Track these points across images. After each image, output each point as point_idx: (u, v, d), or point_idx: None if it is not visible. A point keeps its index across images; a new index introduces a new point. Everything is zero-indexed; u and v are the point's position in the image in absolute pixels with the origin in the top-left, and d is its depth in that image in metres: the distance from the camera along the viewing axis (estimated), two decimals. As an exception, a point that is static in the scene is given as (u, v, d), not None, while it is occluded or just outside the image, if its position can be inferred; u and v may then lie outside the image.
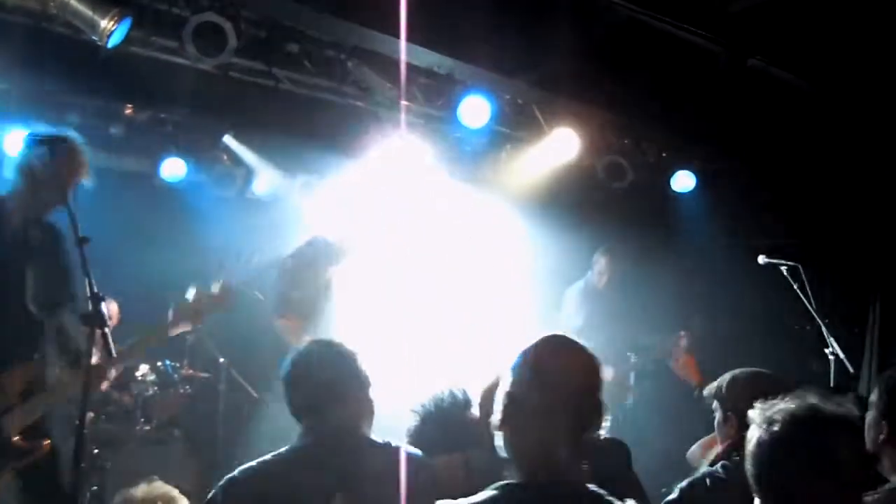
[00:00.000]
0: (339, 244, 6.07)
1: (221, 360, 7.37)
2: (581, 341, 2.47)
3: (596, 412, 2.38)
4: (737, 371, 3.68)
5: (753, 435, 2.43)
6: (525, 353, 2.42)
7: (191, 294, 4.45)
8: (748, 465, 2.41)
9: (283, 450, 3.08)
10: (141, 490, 3.31)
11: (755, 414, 2.47)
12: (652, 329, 7.92)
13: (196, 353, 7.40)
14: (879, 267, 7.88)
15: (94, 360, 3.46)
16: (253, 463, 3.04)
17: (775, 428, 2.36)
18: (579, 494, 2.34)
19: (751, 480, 2.39)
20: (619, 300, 7.63)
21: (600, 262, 7.59)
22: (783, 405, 2.43)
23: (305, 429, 3.10)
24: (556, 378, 2.34)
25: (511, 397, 2.37)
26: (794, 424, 2.34)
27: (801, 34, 5.95)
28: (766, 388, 3.55)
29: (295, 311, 5.98)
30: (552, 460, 2.31)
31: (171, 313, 4.41)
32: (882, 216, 7.73)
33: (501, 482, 2.36)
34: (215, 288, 4.46)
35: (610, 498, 2.36)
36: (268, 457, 3.06)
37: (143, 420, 6.75)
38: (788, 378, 3.70)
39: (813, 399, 2.39)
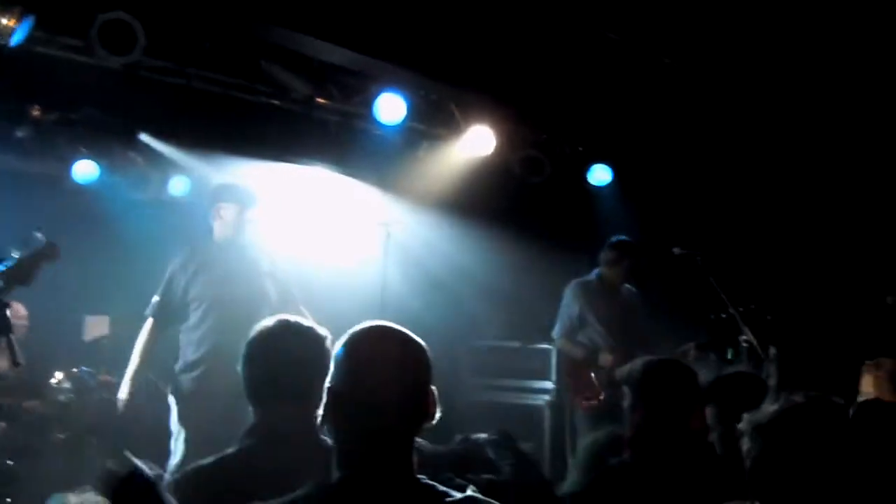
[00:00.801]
0: None
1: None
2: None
3: (423, 404, 2.26)
4: (647, 359, 3.72)
5: (752, 448, 2.44)
6: (345, 345, 2.28)
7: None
8: (753, 477, 2.41)
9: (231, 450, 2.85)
10: (73, 500, 3.21)
11: (748, 426, 2.48)
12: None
13: (114, 359, 7.27)
14: (786, 254, 8.09)
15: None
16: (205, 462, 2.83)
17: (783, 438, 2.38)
18: (403, 489, 2.21)
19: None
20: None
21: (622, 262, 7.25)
22: (774, 408, 2.45)
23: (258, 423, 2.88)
24: (377, 369, 2.21)
25: (331, 391, 2.24)
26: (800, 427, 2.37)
27: (713, 37, 6.08)
28: (677, 380, 3.65)
29: None
30: (375, 456, 2.19)
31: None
32: (789, 209, 7.95)
33: (312, 482, 2.25)
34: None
35: (443, 489, 2.23)
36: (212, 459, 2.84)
37: (58, 428, 6.60)
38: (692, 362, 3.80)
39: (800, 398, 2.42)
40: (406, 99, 6.49)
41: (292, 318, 3.07)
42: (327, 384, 2.25)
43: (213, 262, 5.82)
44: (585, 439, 3.95)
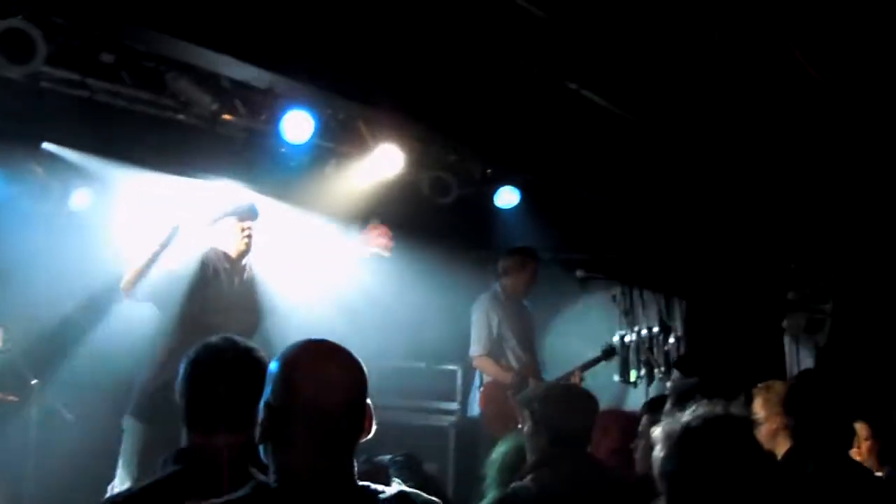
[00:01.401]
0: None
1: (34, 381, 7.06)
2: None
3: (363, 417, 2.31)
4: (549, 384, 3.80)
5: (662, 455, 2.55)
6: (281, 361, 2.30)
7: None
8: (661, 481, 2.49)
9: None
10: None
11: (660, 435, 2.61)
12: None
13: (5, 375, 7.08)
14: (688, 277, 8.27)
15: None
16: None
17: (685, 446, 2.47)
18: (343, 492, 2.25)
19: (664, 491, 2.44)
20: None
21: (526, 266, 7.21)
22: (685, 416, 2.57)
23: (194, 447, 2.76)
24: (315, 386, 2.24)
25: (270, 409, 2.26)
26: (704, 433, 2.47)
27: (615, 61, 6.20)
28: (577, 404, 3.72)
29: None
30: (316, 468, 2.21)
31: None
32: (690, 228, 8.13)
33: (253, 482, 2.28)
34: None
35: (376, 487, 2.29)
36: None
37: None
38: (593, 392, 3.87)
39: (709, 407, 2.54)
40: (314, 116, 6.45)
41: (239, 338, 3.00)
42: (266, 401, 2.26)
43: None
44: (493, 454, 3.96)
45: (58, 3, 5.33)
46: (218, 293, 5.78)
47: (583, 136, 7.24)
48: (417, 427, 8.16)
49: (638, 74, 6.30)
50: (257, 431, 2.26)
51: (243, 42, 5.42)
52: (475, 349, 7.06)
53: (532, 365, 6.91)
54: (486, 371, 7.02)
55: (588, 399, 3.77)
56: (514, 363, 7.00)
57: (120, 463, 5.71)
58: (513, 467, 3.81)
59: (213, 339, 2.93)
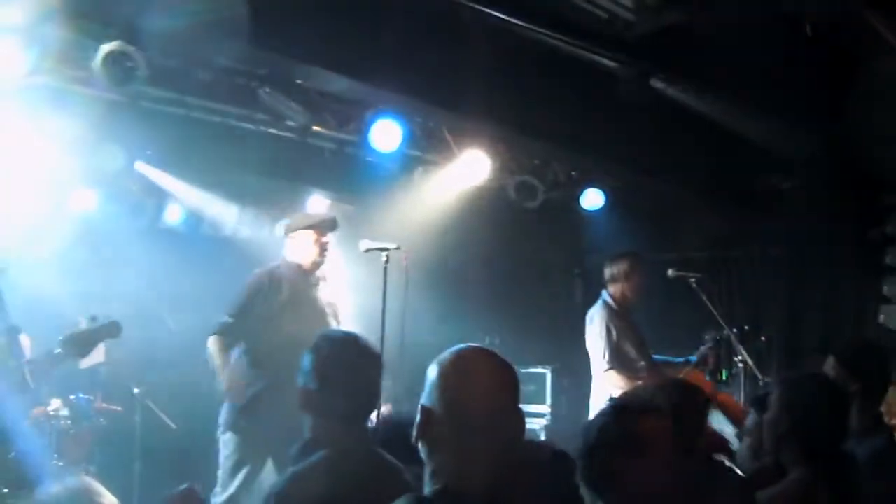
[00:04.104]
0: None
1: (136, 390, 7.29)
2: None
3: (516, 425, 2.35)
4: (662, 382, 3.78)
5: None
6: (437, 366, 2.36)
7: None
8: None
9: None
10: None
11: None
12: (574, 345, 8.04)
13: (109, 385, 7.30)
14: (782, 274, 8.18)
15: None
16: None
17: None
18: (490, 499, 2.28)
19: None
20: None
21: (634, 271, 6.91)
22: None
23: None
24: (465, 392, 2.30)
25: (426, 412, 2.32)
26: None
27: (702, 56, 6.17)
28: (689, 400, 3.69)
29: None
30: (470, 474, 2.26)
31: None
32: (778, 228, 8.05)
33: (409, 494, 2.34)
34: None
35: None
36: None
37: (55, 457, 6.59)
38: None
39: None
40: (402, 125, 6.56)
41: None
42: (422, 402, 2.34)
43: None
44: None
45: (156, 25, 5.50)
46: (295, 306, 5.84)
47: (669, 135, 7.21)
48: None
49: (725, 70, 6.25)
50: (414, 431, 2.34)
51: (335, 54, 5.53)
52: (601, 365, 6.76)
53: (654, 371, 6.68)
54: (618, 385, 6.64)
55: (700, 395, 3.75)
56: (636, 372, 6.71)
57: (220, 473, 5.85)
58: None
59: (342, 333, 3.18)
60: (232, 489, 5.76)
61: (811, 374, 3.75)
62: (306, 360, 3.02)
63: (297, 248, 5.97)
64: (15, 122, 5.97)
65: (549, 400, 8.37)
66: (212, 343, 5.84)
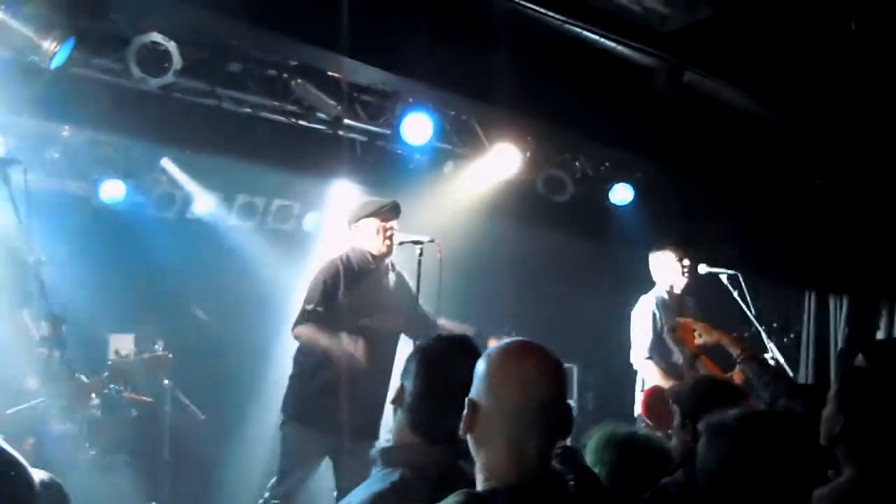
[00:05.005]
0: None
1: (166, 381, 7.35)
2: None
3: (563, 418, 2.35)
4: (698, 379, 3.77)
5: (703, 444, 2.52)
6: (485, 360, 2.38)
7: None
8: (700, 475, 2.46)
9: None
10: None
11: (703, 426, 2.57)
12: (600, 341, 8.04)
13: (137, 376, 7.35)
14: (815, 270, 8.12)
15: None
16: None
17: (724, 434, 2.41)
18: (555, 497, 2.31)
19: (704, 485, 2.45)
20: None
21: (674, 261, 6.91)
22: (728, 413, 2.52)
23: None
24: (511, 385, 2.30)
25: (473, 405, 2.34)
26: (742, 428, 2.43)
27: (736, 50, 6.12)
28: (722, 397, 3.67)
29: None
30: (518, 468, 2.27)
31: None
32: (813, 222, 7.98)
33: (462, 490, 2.31)
34: None
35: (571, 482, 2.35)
36: None
37: (87, 446, 6.63)
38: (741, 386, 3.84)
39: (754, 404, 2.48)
40: (433, 118, 6.55)
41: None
42: (470, 396, 2.35)
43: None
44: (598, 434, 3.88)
45: (188, 16, 5.51)
46: (365, 295, 5.76)
47: (699, 129, 7.17)
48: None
49: (763, 66, 6.20)
50: (461, 424, 2.34)
51: (367, 46, 5.51)
52: (637, 353, 6.76)
53: (692, 370, 6.61)
54: (649, 376, 6.63)
55: (738, 393, 3.74)
56: (674, 368, 6.67)
57: (281, 461, 5.78)
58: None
59: (457, 340, 2.91)
60: (289, 483, 5.69)
61: (866, 370, 3.71)
62: (412, 358, 2.83)
63: (363, 238, 5.87)
64: (47, 113, 5.99)
65: (575, 395, 8.38)
66: (303, 330, 5.71)
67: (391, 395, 2.85)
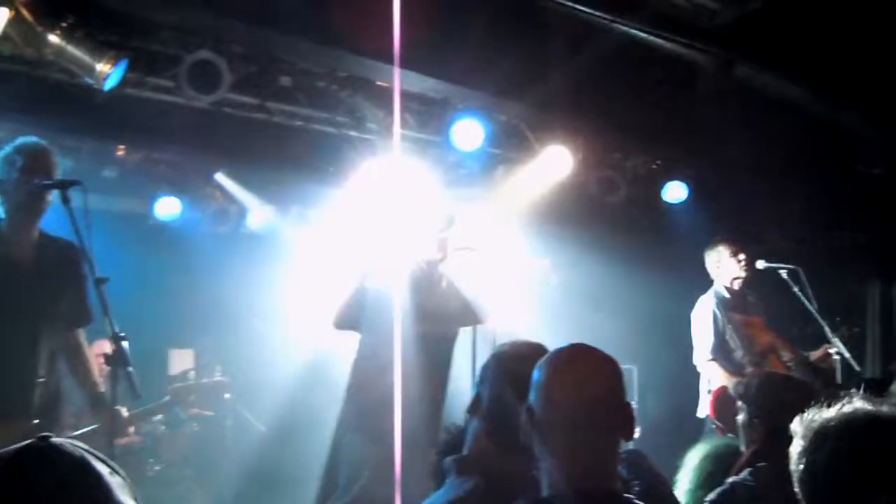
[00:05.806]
0: None
1: (227, 395, 7.39)
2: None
3: (624, 421, 2.32)
4: (767, 374, 3.68)
5: (799, 450, 2.23)
6: (544, 365, 2.36)
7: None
8: (798, 486, 2.23)
9: None
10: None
11: (800, 427, 2.27)
12: (660, 341, 7.95)
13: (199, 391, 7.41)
14: (876, 261, 7.99)
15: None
16: None
17: (829, 441, 2.18)
18: (616, 502, 2.26)
19: (803, 499, 2.23)
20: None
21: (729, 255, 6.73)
22: (830, 414, 2.22)
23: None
24: (562, 390, 2.28)
25: (530, 412, 2.32)
26: (852, 434, 2.16)
27: (787, 41, 6.05)
28: (796, 395, 3.56)
29: None
30: (577, 472, 2.25)
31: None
32: (869, 215, 7.85)
33: (526, 497, 2.31)
34: None
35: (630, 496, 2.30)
36: None
37: (151, 461, 6.71)
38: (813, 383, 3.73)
39: (862, 403, 2.20)
40: (483, 124, 6.54)
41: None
42: (527, 403, 2.33)
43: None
44: (697, 452, 3.82)
45: (238, 33, 5.56)
46: (420, 303, 5.71)
47: (751, 124, 7.08)
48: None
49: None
50: (521, 432, 2.34)
51: (417, 55, 5.51)
52: (700, 354, 6.61)
53: (758, 368, 6.46)
54: (714, 377, 6.46)
55: (807, 390, 3.64)
56: (739, 368, 6.51)
57: (343, 472, 5.72)
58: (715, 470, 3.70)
59: (524, 341, 2.85)
60: (350, 497, 5.64)
61: None
62: (487, 366, 2.79)
63: (418, 245, 5.83)
64: (103, 133, 6.08)
65: (635, 397, 8.28)
66: None
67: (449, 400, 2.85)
